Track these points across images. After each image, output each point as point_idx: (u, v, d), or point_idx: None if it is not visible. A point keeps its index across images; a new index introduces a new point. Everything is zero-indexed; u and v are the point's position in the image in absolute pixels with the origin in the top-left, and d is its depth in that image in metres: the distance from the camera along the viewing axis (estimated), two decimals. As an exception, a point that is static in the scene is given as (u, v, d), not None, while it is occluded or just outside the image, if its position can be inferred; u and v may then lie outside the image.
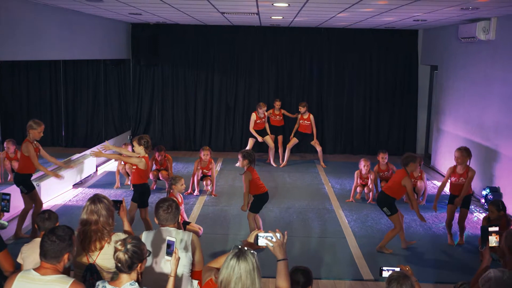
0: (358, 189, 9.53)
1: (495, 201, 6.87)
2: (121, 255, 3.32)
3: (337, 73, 13.72)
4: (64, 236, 3.38)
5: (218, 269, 3.66)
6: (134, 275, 3.38)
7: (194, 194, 9.64)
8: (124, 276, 3.37)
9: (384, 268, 3.65)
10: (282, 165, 12.19)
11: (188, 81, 13.83)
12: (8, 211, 4.62)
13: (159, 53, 13.48)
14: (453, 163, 7.39)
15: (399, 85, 13.71)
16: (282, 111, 12.71)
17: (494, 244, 4.17)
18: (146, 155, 6.92)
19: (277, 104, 12.52)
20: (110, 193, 9.48)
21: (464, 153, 7.23)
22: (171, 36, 13.49)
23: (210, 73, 13.80)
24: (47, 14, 8.83)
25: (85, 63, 11.32)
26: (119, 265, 3.33)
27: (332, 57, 13.66)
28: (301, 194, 9.97)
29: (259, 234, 3.65)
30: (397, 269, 3.62)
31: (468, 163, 7.24)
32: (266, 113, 12.11)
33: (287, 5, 8.25)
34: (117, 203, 4.55)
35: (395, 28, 12.83)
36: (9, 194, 4.69)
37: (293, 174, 11.55)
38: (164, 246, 4.14)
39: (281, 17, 10.63)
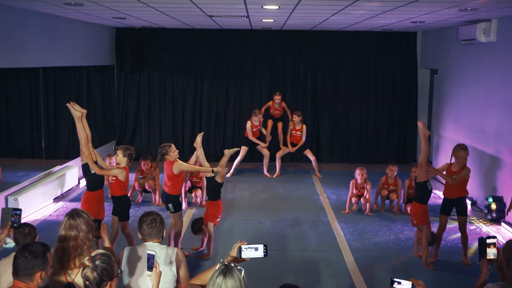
0: (354, 199, 9.56)
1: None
2: (89, 272, 3.28)
3: (333, 78, 13.79)
4: (37, 253, 3.36)
5: (201, 286, 3.68)
6: None
7: (183, 208, 9.62)
8: None
9: (395, 279, 3.65)
10: (275, 175, 12.22)
11: (176, 88, 13.86)
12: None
13: (145, 59, 13.52)
14: None
15: (397, 90, 13.79)
16: (283, 104, 12.81)
17: (492, 257, 4.18)
18: (127, 167, 6.97)
19: (277, 98, 12.61)
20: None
21: (468, 151, 7.30)
22: (158, 40, 13.54)
23: (199, 79, 13.84)
24: (25, 20, 8.86)
25: (66, 70, 11.33)
26: (87, 283, 3.30)
27: (327, 61, 13.74)
28: (295, 205, 9.99)
29: (242, 247, 3.68)
30: (409, 282, 3.63)
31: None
32: (262, 115, 12.19)
33: (277, 7, 8.31)
34: (96, 222, 4.55)
35: (393, 31, 12.93)
36: (20, 210, 4.69)
37: (287, 184, 11.58)
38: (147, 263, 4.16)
39: (273, 20, 10.70)
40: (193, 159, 8.02)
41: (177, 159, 7.16)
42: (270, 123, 12.76)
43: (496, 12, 8.50)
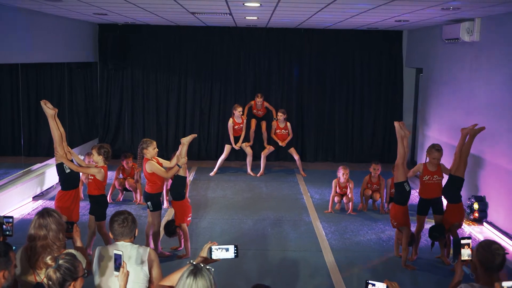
0: (337, 199, 9.54)
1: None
2: (51, 272, 3.24)
3: (318, 76, 13.77)
4: None
5: (170, 287, 3.65)
6: None
7: (164, 207, 9.57)
8: None
9: (370, 282, 3.65)
10: (259, 174, 12.19)
11: (159, 86, 13.79)
12: (11, 235, 4.50)
13: (129, 56, 13.42)
14: None
15: (383, 89, 13.80)
16: (265, 104, 12.78)
17: (466, 258, 4.18)
18: (105, 166, 6.92)
19: (259, 100, 12.55)
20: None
21: (442, 152, 7.33)
22: (141, 37, 13.44)
23: (183, 77, 13.77)
24: (3, 15, 8.75)
25: (48, 66, 11.22)
26: (50, 283, 3.26)
27: (312, 60, 13.72)
28: (278, 204, 9.97)
29: (212, 247, 3.66)
30: (383, 284, 3.63)
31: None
32: (244, 116, 12.15)
33: (259, 4, 8.27)
34: (69, 225, 4.49)
35: (378, 29, 12.93)
36: (11, 217, 4.59)
37: (270, 183, 11.56)
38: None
39: (256, 18, 10.66)
40: (174, 159, 7.62)
41: (154, 158, 7.07)
42: (253, 122, 12.73)
43: (479, 11, 8.52)
